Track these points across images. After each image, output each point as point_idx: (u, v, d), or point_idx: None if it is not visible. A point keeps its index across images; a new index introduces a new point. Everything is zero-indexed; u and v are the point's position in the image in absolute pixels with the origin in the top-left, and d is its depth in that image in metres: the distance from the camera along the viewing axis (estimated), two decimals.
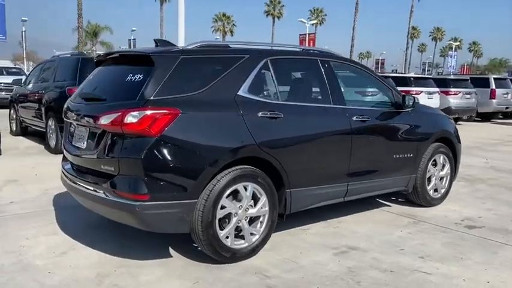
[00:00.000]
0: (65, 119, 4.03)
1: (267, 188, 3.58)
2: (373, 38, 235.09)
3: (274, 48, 4.12)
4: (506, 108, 17.85)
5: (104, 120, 3.24)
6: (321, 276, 3.31)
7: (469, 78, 17.44)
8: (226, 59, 3.63)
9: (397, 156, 4.68)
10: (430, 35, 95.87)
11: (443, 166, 5.26)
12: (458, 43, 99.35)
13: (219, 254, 3.39)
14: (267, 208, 3.60)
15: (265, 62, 3.77)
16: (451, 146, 5.29)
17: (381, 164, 4.56)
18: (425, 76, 19.23)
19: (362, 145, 4.29)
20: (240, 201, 3.46)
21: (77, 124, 3.70)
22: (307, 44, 33.56)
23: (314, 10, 69.09)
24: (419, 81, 15.48)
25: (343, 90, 4.34)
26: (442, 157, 5.20)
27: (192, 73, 3.42)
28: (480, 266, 3.52)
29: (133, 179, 3.13)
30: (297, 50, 4.41)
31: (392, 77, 14.22)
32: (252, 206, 3.53)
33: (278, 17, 67.10)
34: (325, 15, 69.39)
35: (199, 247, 3.47)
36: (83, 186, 3.50)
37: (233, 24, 70.25)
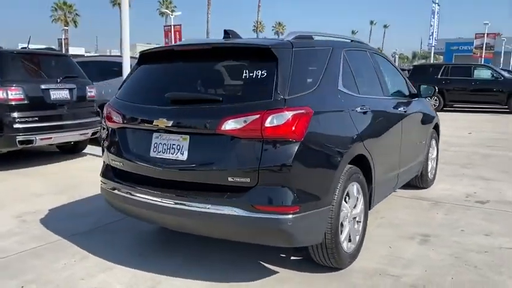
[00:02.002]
0: (119, 125, 3.29)
1: (364, 186, 3.47)
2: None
3: (340, 39, 3.95)
4: None
5: (233, 125, 2.74)
6: (439, 267, 3.35)
7: None
8: (322, 51, 3.37)
9: (419, 142, 4.98)
10: (273, 29, 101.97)
11: (435, 149, 5.75)
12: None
13: (339, 261, 3.18)
14: (363, 206, 3.50)
15: (344, 55, 3.60)
16: (437, 130, 5.79)
17: (413, 151, 4.79)
18: None
19: (406, 134, 4.42)
20: (348, 202, 3.29)
21: (163, 131, 3.03)
22: (173, 36, 32.65)
23: (163, 0, 67.73)
24: None
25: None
26: (434, 141, 5.67)
27: (304, 67, 3.09)
28: None
29: (280, 189, 2.72)
30: (350, 40, 4.29)
31: None
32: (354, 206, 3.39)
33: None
34: (175, 6, 68.50)
35: (315, 257, 3.19)
36: (181, 204, 2.90)
37: (76, 14, 64.59)
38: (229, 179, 2.76)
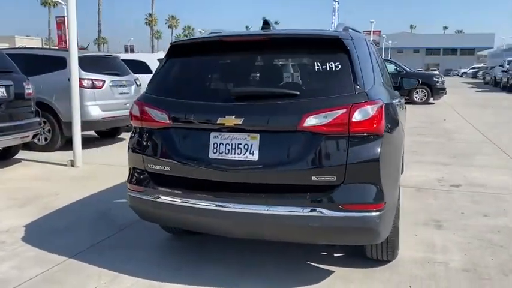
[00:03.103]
0: (163, 125, 2.91)
1: None
2: (119, 24, 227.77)
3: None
4: None
5: (316, 121, 2.56)
6: (472, 249, 3.53)
7: None
8: (366, 43, 3.31)
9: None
10: (166, 23, 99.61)
11: None
12: (191, 31, 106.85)
13: (396, 254, 3.21)
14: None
15: (370, 46, 3.59)
16: None
17: None
18: None
19: (404, 124, 4.58)
20: None
21: (227, 130, 2.73)
22: (67, 29, 30.14)
23: None
24: None
25: None
26: None
27: (364, 59, 2.99)
28: None
29: (368, 186, 2.62)
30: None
31: None
32: None
33: None
34: None
35: (371, 252, 3.15)
36: (255, 208, 2.66)
37: None
38: (313, 178, 2.59)
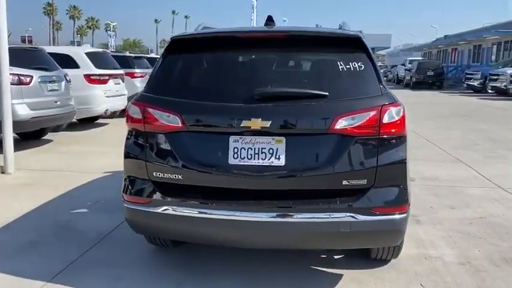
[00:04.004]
0: (174, 129, 2.62)
1: None
2: (13, 13, 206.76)
3: None
4: None
5: (347, 123, 2.46)
6: (457, 242, 3.69)
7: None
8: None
9: None
10: (67, 13, 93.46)
11: None
12: (95, 23, 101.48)
13: (399, 253, 3.23)
14: None
15: None
16: None
17: None
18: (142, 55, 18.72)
19: None
20: None
21: (250, 134, 2.51)
22: None
23: None
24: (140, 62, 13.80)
25: None
26: None
27: (375, 59, 2.96)
28: None
29: (397, 188, 2.58)
30: None
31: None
32: None
33: None
34: None
35: (376, 253, 3.14)
36: (284, 216, 2.51)
37: None
38: (344, 182, 2.50)
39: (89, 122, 10.45)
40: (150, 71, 12.91)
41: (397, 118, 2.55)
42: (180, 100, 2.64)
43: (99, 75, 9.74)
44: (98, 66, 9.83)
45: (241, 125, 2.50)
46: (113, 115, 10.87)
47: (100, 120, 10.92)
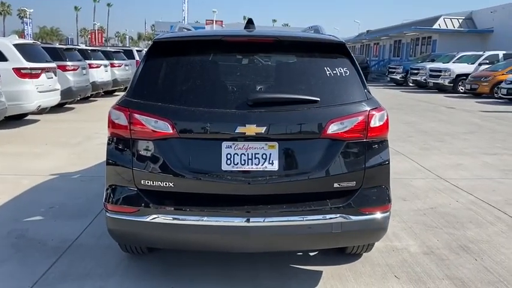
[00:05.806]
0: (164, 135, 2.53)
1: None
2: None
3: None
4: None
5: (338, 127, 2.54)
6: (418, 233, 3.96)
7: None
8: None
9: None
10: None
11: None
12: (6, 8, 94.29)
13: (372, 248, 3.40)
14: None
15: None
16: None
17: None
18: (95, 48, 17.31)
19: None
20: None
21: (242, 139, 2.50)
22: None
23: None
24: (96, 54, 14.58)
25: None
26: None
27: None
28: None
29: (381, 188, 2.71)
30: None
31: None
32: None
33: None
34: None
35: (354, 250, 3.28)
36: (277, 220, 2.54)
37: None
38: (335, 184, 2.58)
39: (17, 118, 9.69)
40: (82, 63, 12.37)
41: (382, 122, 2.68)
42: (169, 106, 2.56)
43: (31, 68, 9.08)
44: (28, 59, 9.16)
45: (236, 131, 2.49)
46: (43, 111, 10.21)
47: (30, 117, 10.20)
